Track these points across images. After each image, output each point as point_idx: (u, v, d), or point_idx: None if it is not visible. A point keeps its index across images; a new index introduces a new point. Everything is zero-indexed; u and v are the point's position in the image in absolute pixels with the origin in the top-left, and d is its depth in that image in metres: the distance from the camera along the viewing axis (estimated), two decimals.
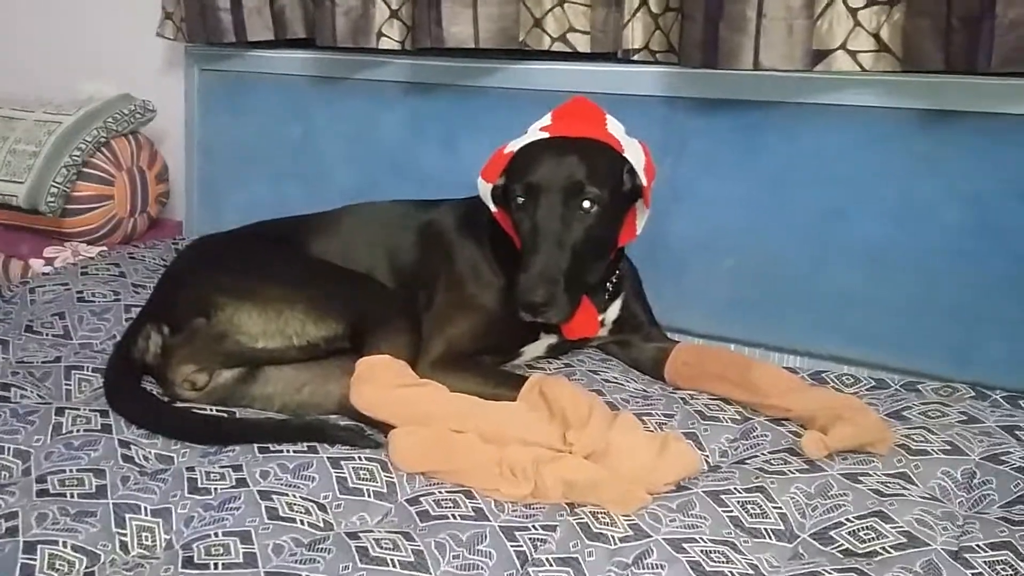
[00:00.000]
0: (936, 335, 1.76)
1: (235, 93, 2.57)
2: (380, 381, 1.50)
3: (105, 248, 2.48)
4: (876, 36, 1.69)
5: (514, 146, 1.64)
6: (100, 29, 2.89)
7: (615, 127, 1.65)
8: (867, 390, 1.69)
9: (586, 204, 1.55)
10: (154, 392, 1.61)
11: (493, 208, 1.66)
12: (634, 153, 1.62)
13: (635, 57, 1.93)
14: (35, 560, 1.14)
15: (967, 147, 1.70)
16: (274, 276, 1.67)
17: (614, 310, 1.80)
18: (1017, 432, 1.48)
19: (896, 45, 1.67)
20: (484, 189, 1.65)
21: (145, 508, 1.26)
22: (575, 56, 2.03)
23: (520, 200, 1.58)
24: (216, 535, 1.20)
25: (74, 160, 2.49)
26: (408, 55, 2.22)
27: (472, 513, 1.28)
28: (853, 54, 1.70)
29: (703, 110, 1.92)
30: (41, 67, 3.00)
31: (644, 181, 1.61)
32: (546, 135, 1.62)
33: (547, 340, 1.77)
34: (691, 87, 1.91)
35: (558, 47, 2.01)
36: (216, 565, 1.14)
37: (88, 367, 1.69)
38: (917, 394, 1.65)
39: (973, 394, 1.63)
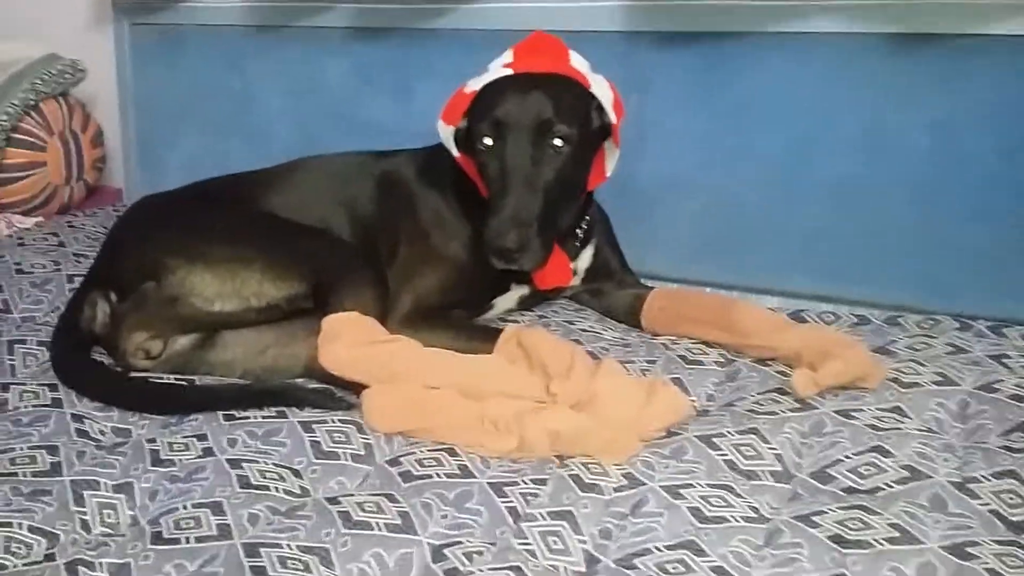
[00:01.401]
0: (913, 266, 1.73)
1: (168, 48, 2.45)
2: (349, 339, 1.42)
3: (41, 218, 2.35)
4: None
5: (475, 85, 1.55)
6: None
7: (580, 63, 1.57)
8: (849, 327, 1.65)
9: (556, 142, 1.48)
10: (106, 363, 1.52)
11: (456, 153, 1.57)
12: (601, 89, 1.55)
13: None
14: None
15: (935, 73, 1.66)
16: (226, 234, 1.57)
17: (586, 257, 1.74)
18: (1005, 360, 1.45)
19: None
20: (446, 133, 1.56)
21: (105, 484, 1.18)
22: None
23: (486, 141, 1.50)
24: (184, 507, 1.12)
25: (2, 125, 2.34)
26: None
27: (457, 471, 1.22)
28: None
29: (664, 44, 1.86)
30: None
31: (613, 118, 1.54)
32: (509, 71, 1.54)
33: (518, 291, 1.70)
34: (651, 21, 1.85)
35: None
36: (188, 539, 1.06)
37: (32, 340, 1.59)
38: (900, 328, 1.62)
39: (957, 325, 1.60)
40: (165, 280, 1.50)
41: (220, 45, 2.36)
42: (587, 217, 1.69)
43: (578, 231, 1.68)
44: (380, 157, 1.81)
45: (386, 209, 1.73)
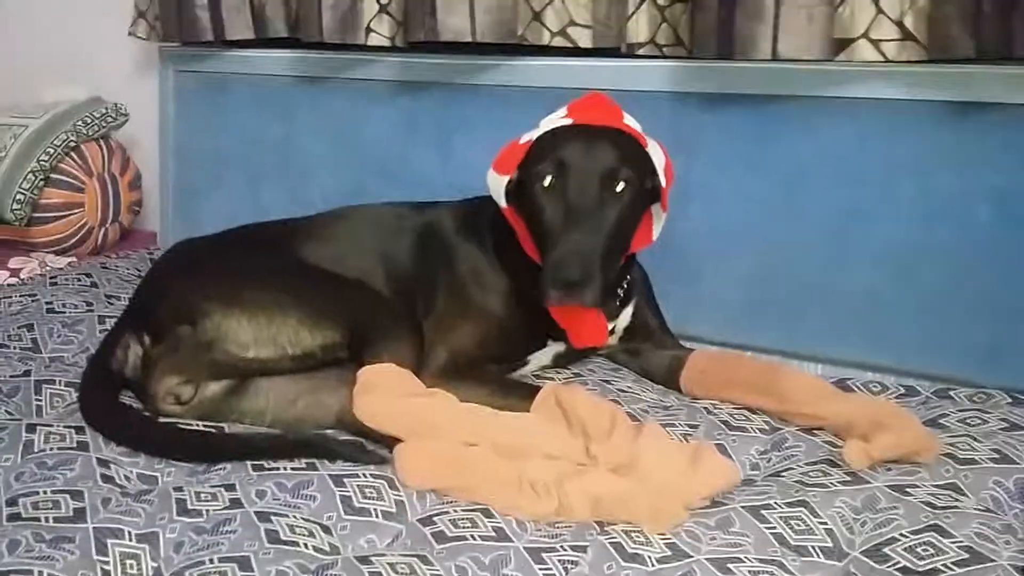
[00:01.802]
0: (966, 338, 1.67)
1: (212, 95, 2.45)
2: (385, 391, 1.38)
3: (75, 259, 2.35)
4: (900, 24, 1.60)
5: (531, 136, 1.53)
6: (68, 30, 2.76)
7: (633, 124, 1.55)
8: (896, 398, 1.59)
9: (619, 188, 1.45)
10: (134, 407, 1.48)
11: (503, 203, 1.54)
12: (655, 152, 1.53)
13: (640, 51, 1.84)
14: None
15: (996, 140, 1.62)
16: (264, 280, 1.55)
17: (625, 317, 1.70)
18: None
19: (922, 33, 1.59)
20: (496, 183, 1.53)
21: (129, 533, 1.13)
22: (576, 52, 1.93)
23: (548, 180, 1.46)
24: (211, 561, 1.07)
25: (41, 165, 2.36)
26: (397, 52, 2.12)
27: (493, 533, 1.17)
28: (876, 43, 1.60)
29: (714, 105, 1.83)
30: (5, 71, 2.86)
31: (663, 182, 1.51)
32: (568, 122, 1.52)
33: (554, 348, 1.66)
34: (701, 81, 1.82)
35: (558, 42, 1.91)
36: None
37: (60, 381, 1.56)
38: (951, 401, 1.55)
39: (1010, 400, 1.54)
40: (201, 325, 1.47)
41: (264, 94, 2.36)
42: (628, 277, 1.66)
43: (619, 291, 1.65)
44: (419, 209, 1.79)
45: (424, 262, 1.70)
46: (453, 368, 1.54)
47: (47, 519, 1.16)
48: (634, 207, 1.49)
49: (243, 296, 1.49)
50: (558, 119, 1.54)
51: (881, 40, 1.61)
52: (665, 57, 1.85)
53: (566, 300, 1.42)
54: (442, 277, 1.67)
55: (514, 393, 1.48)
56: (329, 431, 1.44)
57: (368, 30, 2.05)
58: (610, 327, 1.66)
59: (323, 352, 1.49)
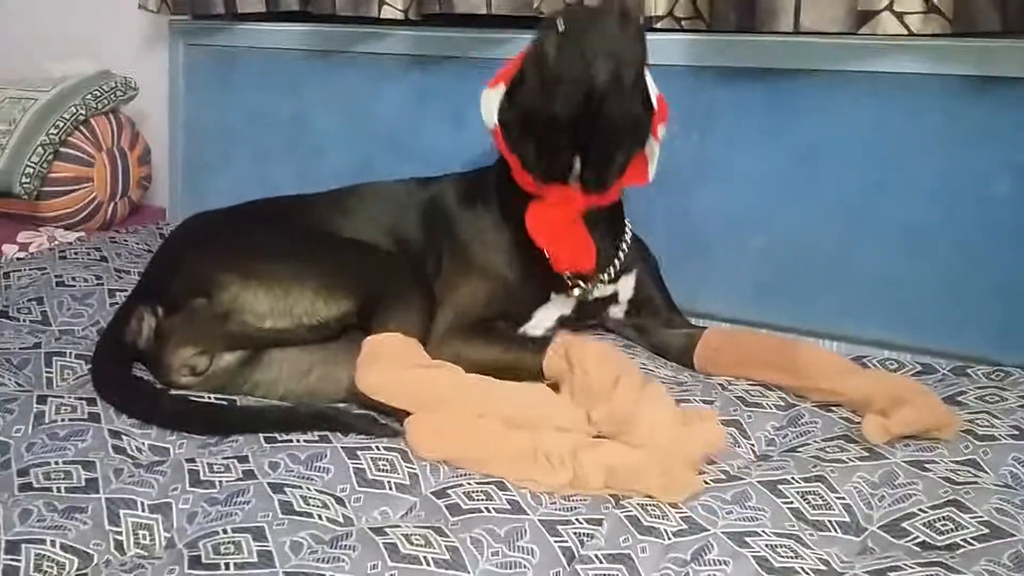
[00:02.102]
0: (984, 315, 1.65)
1: (222, 69, 2.43)
2: (387, 362, 1.37)
3: (83, 233, 2.33)
4: None
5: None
6: (77, 3, 2.73)
7: None
8: (913, 375, 1.57)
9: (633, 32, 1.41)
10: (146, 379, 1.48)
11: (494, 120, 1.53)
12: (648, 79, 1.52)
13: (659, 24, 1.81)
14: (20, 561, 1.01)
15: (1019, 116, 1.59)
16: (280, 252, 1.54)
17: (628, 287, 1.69)
18: None
19: (946, 5, 1.56)
20: (489, 99, 1.52)
21: (142, 503, 1.13)
22: None
23: (561, 28, 1.40)
24: (225, 532, 1.06)
25: (51, 139, 2.34)
26: (410, 26, 2.10)
27: (507, 506, 1.16)
28: (900, 16, 1.58)
29: (732, 80, 1.80)
30: (13, 44, 2.84)
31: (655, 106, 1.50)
32: None
33: (559, 307, 1.65)
34: (719, 55, 1.80)
35: None
36: (227, 565, 1.00)
37: (71, 353, 1.55)
38: (968, 378, 1.54)
39: None
40: (217, 297, 1.46)
41: (275, 69, 2.34)
42: (625, 237, 1.66)
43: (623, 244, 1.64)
44: (424, 184, 1.80)
45: (430, 233, 1.71)
46: (459, 327, 1.54)
47: (59, 489, 1.15)
48: (641, 80, 1.46)
49: (259, 267, 1.49)
50: None
51: (905, 13, 1.58)
52: (683, 31, 1.83)
53: (600, 70, 1.37)
54: (446, 244, 1.67)
55: (523, 347, 1.48)
56: (341, 404, 1.43)
57: (381, 3, 2.03)
58: (612, 290, 1.66)
59: (337, 322, 1.48)
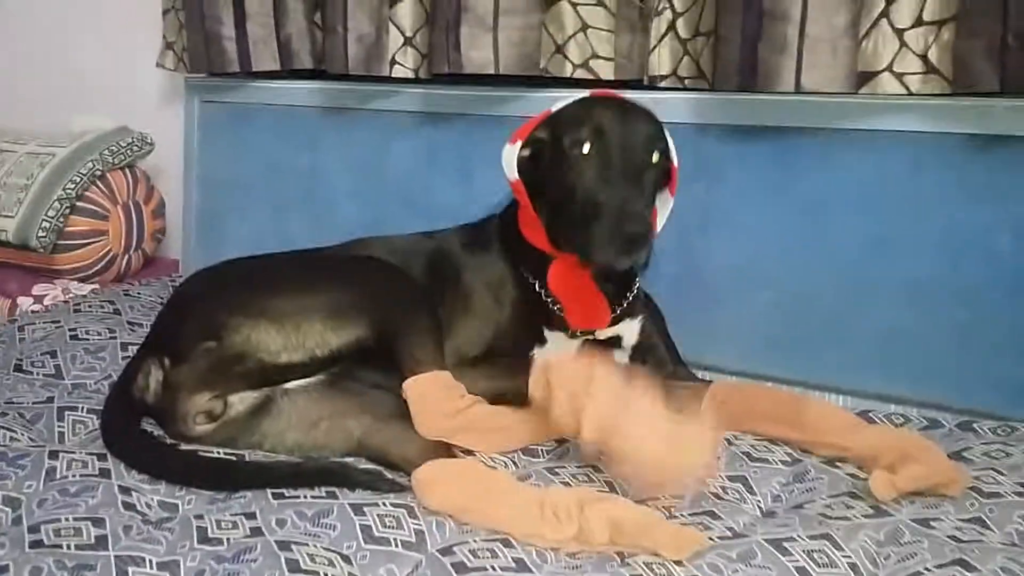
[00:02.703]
0: (990, 371, 1.66)
1: (237, 125, 2.48)
2: (436, 404, 1.42)
3: (97, 286, 2.37)
4: (924, 57, 1.61)
5: (549, 109, 1.57)
6: (96, 60, 2.81)
7: None
8: (919, 430, 1.58)
9: (655, 158, 1.48)
10: (156, 434, 1.49)
11: (515, 176, 1.55)
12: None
13: (662, 84, 1.85)
14: None
15: (1018, 173, 1.61)
16: (284, 288, 1.56)
17: (633, 332, 1.69)
18: None
19: (945, 67, 1.59)
20: (509, 153, 1.55)
21: (150, 561, 1.13)
22: (598, 84, 1.94)
23: (587, 147, 1.47)
24: None
25: (67, 194, 2.39)
26: (421, 84, 2.14)
27: (512, 564, 1.16)
28: (899, 76, 1.61)
29: (736, 137, 1.84)
30: (35, 100, 2.92)
31: (676, 161, 1.54)
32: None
33: (555, 343, 1.65)
34: (723, 113, 1.83)
35: (581, 74, 1.92)
36: None
37: (83, 408, 1.57)
38: (975, 433, 1.54)
39: None
40: (228, 339, 1.47)
41: (288, 125, 2.38)
42: (636, 280, 1.67)
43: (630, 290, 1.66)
44: (430, 236, 1.83)
45: (435, 279, 1.72)
46: (457, 365, 1.54)
47: (69, 546, 1.15)
48: (660, 180, 1.52)
49: (266, 305, 1.50)
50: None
51: (905, 73, 1.62)
52: (687, 89, 1.86)
53: (624, 259, 1.43)
54: (450, 287, 1.69)
55: (513, 372, 1.49)
56: (349, 459, 1.44)
57: (393, 62, 2.07)
58: (614, 332, 1.66)
59: (350, 349, 1.50)
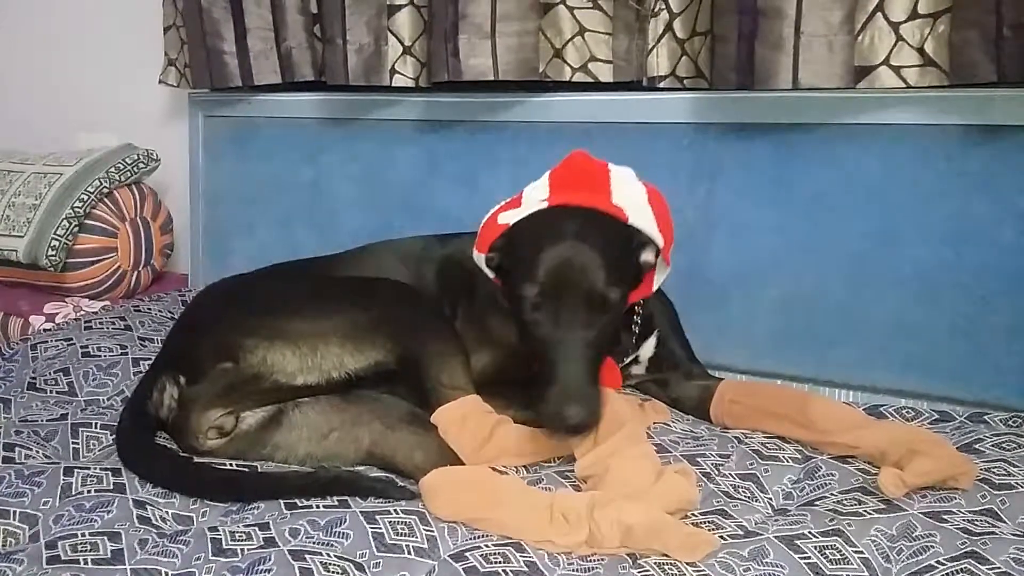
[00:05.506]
0: (999, 362, 1.66)
1: (241, 139, 2.49)
2: (476, 433, 1.43)
3: (108, 303, 2.38)
4: (920, 50, 1.61)
5: (509, 218, 1.48)
6: (100, 79, 2.83)
7: (620, 181, 1.49)
8: (930, 423, 1.58)
9: (607, 302, 1.40)
10: (170, 448, 1.50)
11: (492, 275, 1.54)
12: (642, 217, 1.46)
13: (661, 84, 1.85)
14: None
15: (1021, 162, 1.61)
16: (301, 309, 1.56)
17: (648, 348, 1.71)
18: None
19: (942, 59, 1.60)
20: (480, 259, 1.52)
21: (166, 573, 1.15)
22: (597, 86, 1.95)
23: (535, 301, 1.40)
24: None
25: (75, 212, 2.40)
26: (421, 92, 2.15)
27: (525, 568, 1.17)
28: (897, 70, 1.62)
29: (736, 135, 1.84)
30: (40, 119, 2.94)
31: (660, 241, 1.46)
32: (544, 204, 1.47)
33: None
34: (722, 112, 1.84)
35: (579, 77, 1.93)
36: None
37: (96, 424, 1.59)
38: (986, 425, 1.54)
39: None
40: (244, 361, 1.48)
41: (291, 137, 2.40)
42: (636, 319, 1.64)
43: (633, 327, 1.64)
44: (442, 240, 1.82)
45: (447, 291, 1.73)
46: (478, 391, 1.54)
47: (86, 561, 1.17)
48: (621, 305, 1.45)
49: (283, 327, 1.51)
50: (539, 194, 1.49)
51: (902, 67, 1.62)
52: (686, 89, 1.87)
53: (570, 437, 1.40)
54: (462, 304, 1.69)
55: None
56: (360, 466, 1.45)
57: (392, 71, 2.09)
58: (631, 358, 1.68)
59: (369, 372, 1.51)
